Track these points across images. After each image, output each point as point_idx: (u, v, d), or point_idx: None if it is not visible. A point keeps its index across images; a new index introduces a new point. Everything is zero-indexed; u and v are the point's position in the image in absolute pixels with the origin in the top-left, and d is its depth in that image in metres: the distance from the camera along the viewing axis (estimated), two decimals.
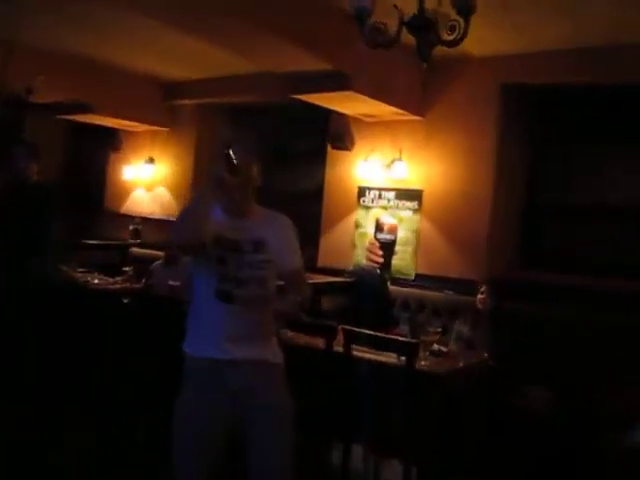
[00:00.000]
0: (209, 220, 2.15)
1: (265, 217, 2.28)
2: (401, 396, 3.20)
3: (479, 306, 4.37)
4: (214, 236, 2.18)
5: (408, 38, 2.79)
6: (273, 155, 5.99)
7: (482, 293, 4.38)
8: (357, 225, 5.72)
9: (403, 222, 5.44)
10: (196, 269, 2.25)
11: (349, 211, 5.77)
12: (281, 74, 4.70)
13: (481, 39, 4.39)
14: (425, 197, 5.36)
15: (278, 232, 2.25)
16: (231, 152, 2.10)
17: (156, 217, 7.23)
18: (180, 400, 2.22)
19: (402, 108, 5.14)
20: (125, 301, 4.65)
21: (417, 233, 5.39)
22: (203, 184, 2.15)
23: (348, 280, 5.27)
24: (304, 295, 2.29)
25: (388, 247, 5.39)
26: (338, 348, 3.44)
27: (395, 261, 5.38)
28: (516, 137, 5.23)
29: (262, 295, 2.22)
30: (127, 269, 5.49)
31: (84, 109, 6.22)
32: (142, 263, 6.03)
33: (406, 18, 2.76)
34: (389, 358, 3.40)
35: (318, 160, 6.03)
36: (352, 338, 3.41)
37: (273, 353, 2.28)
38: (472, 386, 3.81)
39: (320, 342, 3.44)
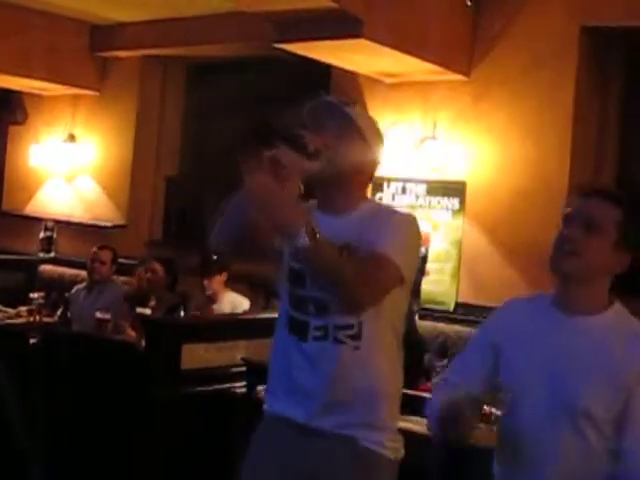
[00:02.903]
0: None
1: (369, 214, 2.21)
2: None
3: None
4: None
5: None
6: (253, 131, 5.97)
7: None
8: None
9: (438, 229, 5.44)
10: (279, 288, 2.30)
11: None
12: (263, 14, 4.71)
13: None
14: (470, 193, 5.35)
15: (371, 225, 2.14)
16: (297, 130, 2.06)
17: (77, 220, 7.22)
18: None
19: (438, 63, 5.15)
20: (32, 341, 4.64)
21: (459, 245, 5.39)
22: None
23: None
24: (361, 281, 2.02)
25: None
26: None
27: (426, 285, 5.37)
28: (604, 102, 5.23)
29: (351, 327, 2.14)
30: (35, 295, 5.49)
31: None
32: (57, 287, 6.01)
33: None
34: (416, 425, 3.38)
35: None
36: None
37: (377, 431, 2.17)
38: None
39: None
